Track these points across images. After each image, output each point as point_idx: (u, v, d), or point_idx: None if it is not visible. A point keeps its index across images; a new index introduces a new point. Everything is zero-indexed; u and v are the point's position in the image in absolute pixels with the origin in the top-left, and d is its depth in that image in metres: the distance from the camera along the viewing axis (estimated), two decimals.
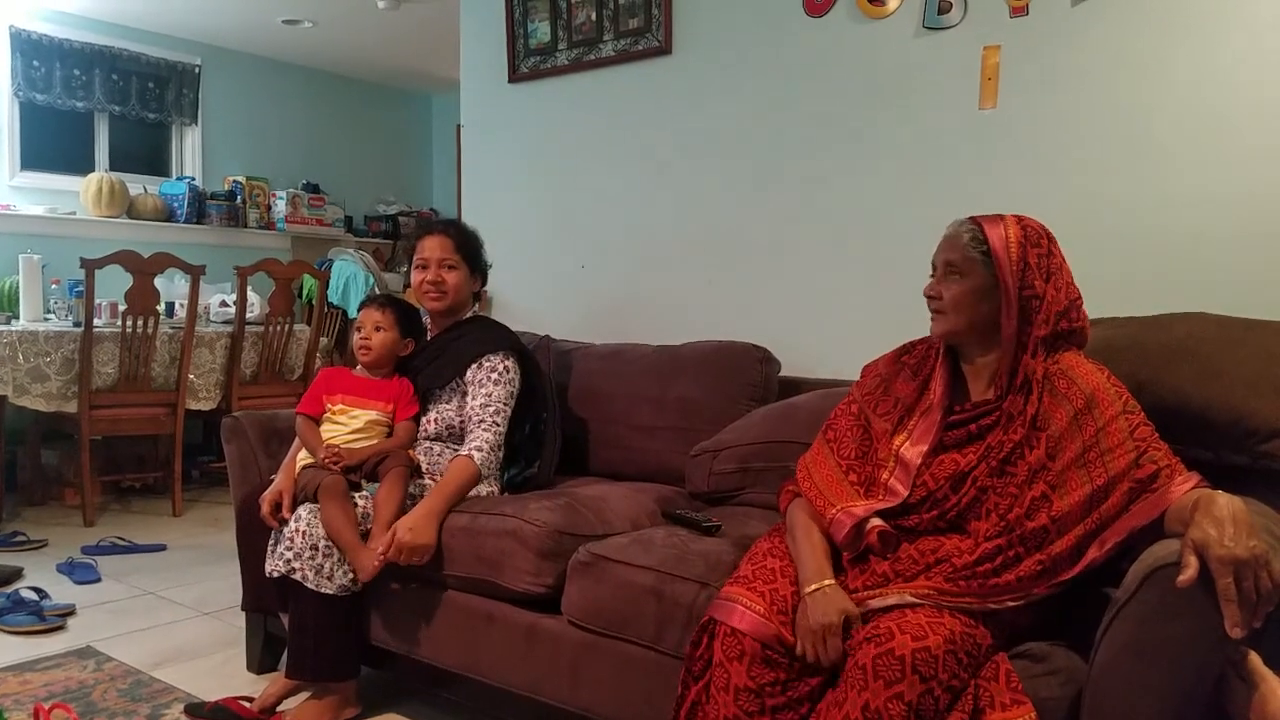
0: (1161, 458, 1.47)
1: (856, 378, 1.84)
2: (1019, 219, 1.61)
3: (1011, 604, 1.45)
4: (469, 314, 2.54)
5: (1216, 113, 2.15)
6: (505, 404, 2.35)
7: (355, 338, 2.43)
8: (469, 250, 2.49)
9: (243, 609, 2.46)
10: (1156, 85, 2.22)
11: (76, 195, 4.98)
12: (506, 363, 2.39)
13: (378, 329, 2.40)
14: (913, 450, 1.62)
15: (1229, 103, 2.14)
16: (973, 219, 1.63)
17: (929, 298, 1.66)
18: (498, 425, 2.32)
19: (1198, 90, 2.17)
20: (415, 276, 2.49)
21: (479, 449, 2.27)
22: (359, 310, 2.48)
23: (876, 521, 1.57)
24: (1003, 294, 1.57)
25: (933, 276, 1.67)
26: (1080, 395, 1.51)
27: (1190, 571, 1.24)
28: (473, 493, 2.29)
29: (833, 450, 1.73)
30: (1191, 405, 1.65)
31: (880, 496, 1.61)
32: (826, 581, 1.51)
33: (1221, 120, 2.15)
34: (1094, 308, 1.88)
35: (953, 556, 1.50)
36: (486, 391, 2.34)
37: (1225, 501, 1.30)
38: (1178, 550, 1.28)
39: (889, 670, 1.34)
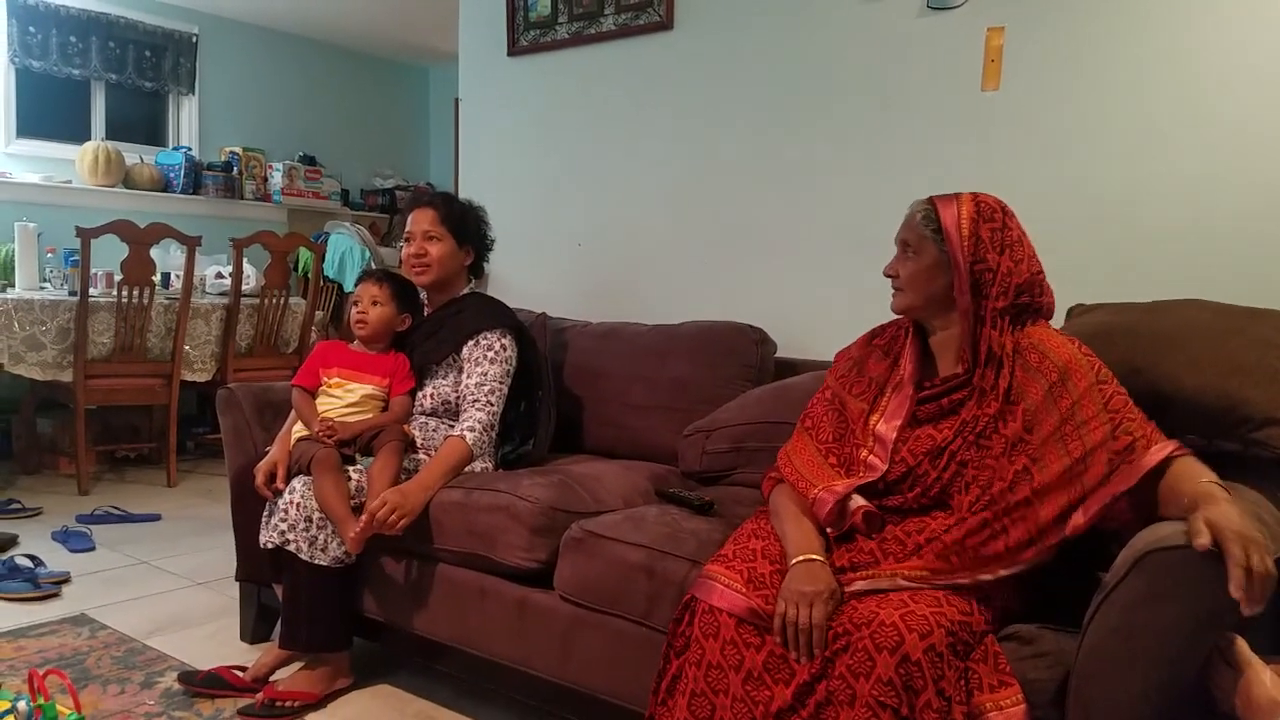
0: (1136, 428, 1.49)
1: None
2: (974, 196, 1.65)
3: (1003, 573, 1.48)
4: (465, 290, 2.54)
5: (1224, 99, 2.14)
6: (500, 383, 2.35)
7: (352, 311, 2.42)
8: (454, 222, 2.46)
9: (236, 579, 2.47)
10: (1162, 70, 2.21)
11: (72, 164, 4.96)
12: (503, 340, 2.38)
13: (375, 303, 2.40)
14: (887, 426, 1.65)
15: (1237, 89, 2.12)
16: (930, 199, 1.68)
17: (888, 276, 1.70)
18: (492, 405, 2.32)
19: (1204, 75, 2.16)
20: (403, 251, 2.49)
21: (471, 429, 2.27)
22: (357, 284, 2.48)
23: (861, 502, 1.58)
24: (954, 269, 1.61)
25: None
26: (1054, 368, 1.54)
27: (1205, 539, 1.23)
28: (467, 469, 2.30)
29: (811, 437, 1.76)
30: (1185, 392, 1.65)
31: (860, 473, 1.63)
32: (816, 556, 1.52)
33: (1229, 107, 2.14)
34: (1093, 293, 1.88)
35: (941, 534, 1.51)
36: (482, 370, 2.34)
37: (1227, 497, 1.33)
38: (1169, 535, 1.29)
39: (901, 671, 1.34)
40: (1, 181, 4.69)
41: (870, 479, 1.61)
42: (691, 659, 1.52)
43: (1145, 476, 1.44)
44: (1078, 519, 1.46)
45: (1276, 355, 1.65)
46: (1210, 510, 1.29)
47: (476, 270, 2.57)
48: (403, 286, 2.46)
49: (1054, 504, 1.47)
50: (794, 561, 1.52)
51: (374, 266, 4.83)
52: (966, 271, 1.59)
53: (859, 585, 1.49)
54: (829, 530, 1.60)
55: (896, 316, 1.77)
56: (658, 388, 2.59)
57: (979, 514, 1.50)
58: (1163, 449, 1.46)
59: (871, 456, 1.64)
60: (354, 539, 2.05)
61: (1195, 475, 1.41)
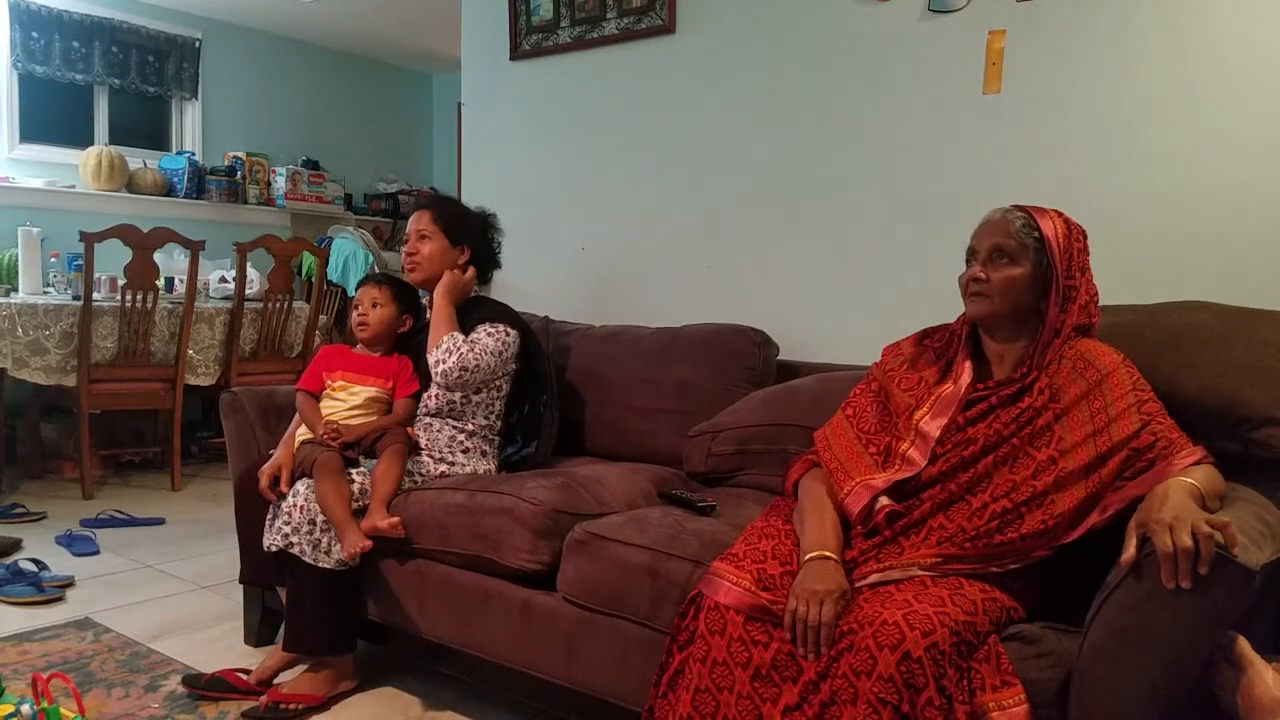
0: (1164, 431, 1.51)
1: (854, 361, 1.86)
2: (1059, 213, 1.67)
3: (1013, 565, 1.50)
4: (471, 294, 2.54)
5: (1224, 102, 2.14)
6: (492, 355, 2.33)
7: (353, 315, 2.44)
8: (447, 220, 2.47)
9: (240, 582, 2.48)
10: (1163, 74, 2.21)
11: (76, 169, 4.97)
12: (508, 329, 2.39)
13: (375, 305, 2.41)
14: (933, 424, 1.65)
15: (1237, 93, 2.13)
16: (1018, 207, 1.67)
17: (974, 279, 1.65)
18: (476, 355, 2.30)
19: (1205, 80, 2.17)
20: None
21: (454, 340, 2.30)
22: (357, 289, 2.49)
23: (885, 501, 1.59)
24: (1053, 282, 1.62)
25: (972, 261, 1.68)
26: (1095, 372, 1.57)
27: (1129, 552, 1.32)
28: (470, 470, 2.31)
29: (852, 424, 1.77)
30: (1185, 392, 1.66)
31: (898, 466, 1.64)
32: (831, 554, 1.53)
33: (1229, 111, 2.14)
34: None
35: (960, 520, 1.53)
36: (476, 337, 2.35)
37: (1163, 486, 1.41)
38: None
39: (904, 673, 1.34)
40: (5, 186, 4.70)
41: (908, 474, 1.61)
42: (696, 654, 1.52)
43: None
44: (1095, 517, 1.48)
45: (1275, 355, 1.65)
46: (1140, 512, 1.37)
47: (481, 273, 2.56)
48: (403, 288, 2.48)
49: (1072, 496, 1.49)
50: (808, 558, 1.53)
51: (377, 270, 4.84)
52: (1062, 286, 1.61)
53: (873, 578, 1.51)
54: (856, 528, 1.61)
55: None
56: (660, 390, 2.59)
57: (1000, 501, 1.52)
58: (1188, 457, 1.48)
59: (912, 450, 1.64)
60: (353, 550, 2.06)
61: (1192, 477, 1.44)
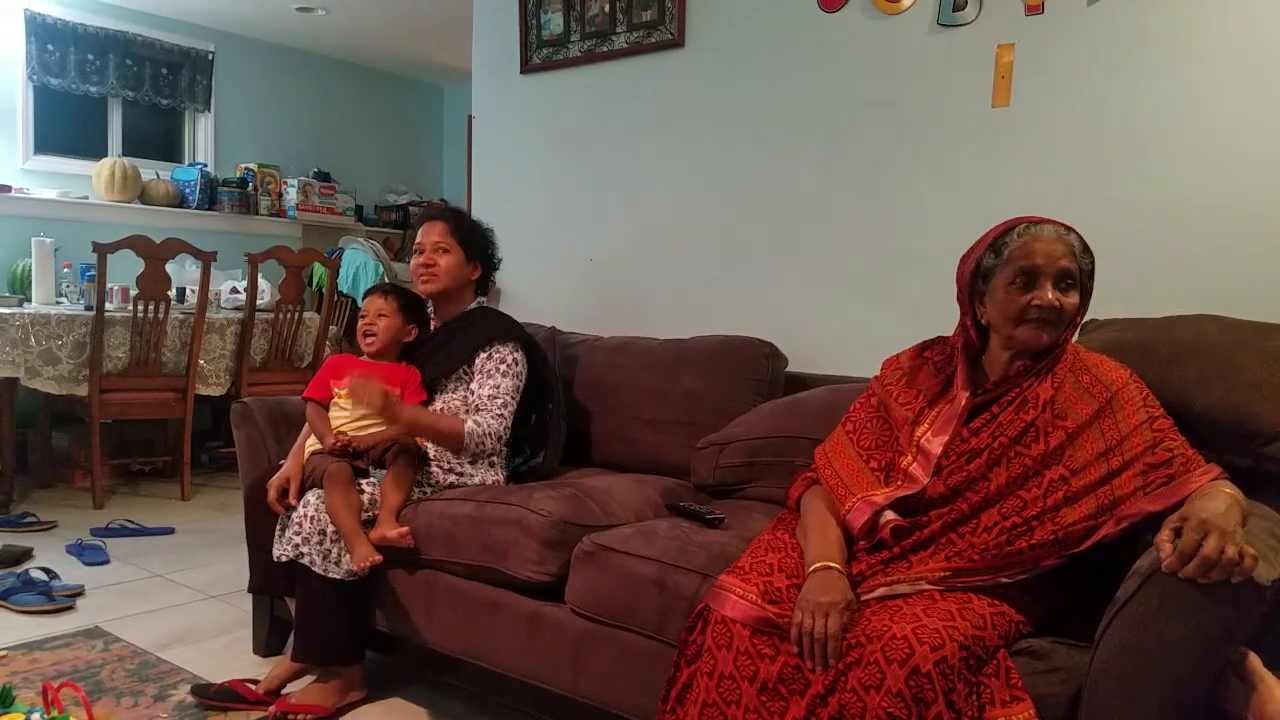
0: (1178, 448, 1.51)
1: (863, 373, 1.85)
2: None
3: (1022, 575, 1.49)
4: (474, 304, 2.55)
5: (1233, 116, 2.14)
6: (512, 397, 2.36)
7: (360, 325, 2.44)
8: (464, 235, 2.48)
9: (249, 592, 2.48)
10: (1172, 88, 2.21)
11: (89, 180, 5.01)
12: (515, 354, 2.40)
13: (381, 316, 2.42)
14: (935, 441, 1.64)
15: (1246, 107, 2.13)
16: (1064, 225, 1.61)
17: (1042, 306, 1.55)
18: (504, 418, 2.33)
19: (1214, 93, 2.16)
20: (412, 263, 2.51)
21: (478, 424, 2.28)
22: (363, 299, 2.50)
23: (890, 515, 1.59)
24: (1084, 309, 1.63)
25: (1030, 282, 1.57)
26: (1105, 390, 1.56)
27: (1167, 548, 1.28)
28: (478, 481, 2.31)
29: (852, 440, 1.75)
30: (1195, 406, 1.65)
31: (899, 483, 1.63)
32: (834, 564, 1.53)
33: (1238, 124, 2.14)
34: (1104, 308, 1.89)
35: (970, 537, 1.53)
36: (495, 382, 2.35)
37: (1227, 493, 1.37)
38: None
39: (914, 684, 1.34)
40: (19, 197, 4.74)
41: (910, 491, 1.60)
42: (703, 669, 1.52)
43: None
44: (1108, 528, 1.47)
45: None
46: (1188, 506, 1.34)
47: (483, 287, 2.58)
48: (409, 299, 2.48)
49: (1083, 507, 1.48)
50: (812, 569, 1.53)
51: (387, 281, 4.86)
52: (1084, 310, 1.63)
53: (880, 591, 1.50)
54: (860, 543, 1.60)
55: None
56: (668, 402, 2.60)
57: (1010, 518, 1.51)
58: (1205, 474, 1.47)
59: (914, 466, 1.63)
60: (363, 562, 2.06)
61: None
